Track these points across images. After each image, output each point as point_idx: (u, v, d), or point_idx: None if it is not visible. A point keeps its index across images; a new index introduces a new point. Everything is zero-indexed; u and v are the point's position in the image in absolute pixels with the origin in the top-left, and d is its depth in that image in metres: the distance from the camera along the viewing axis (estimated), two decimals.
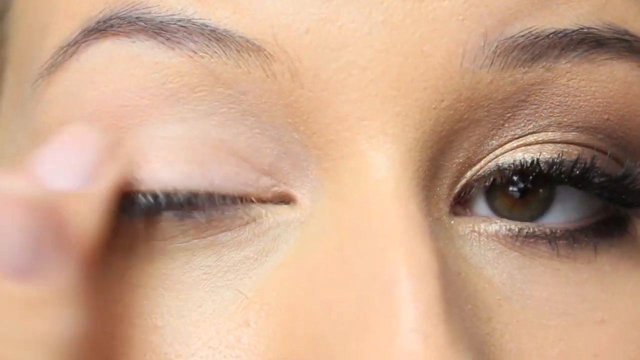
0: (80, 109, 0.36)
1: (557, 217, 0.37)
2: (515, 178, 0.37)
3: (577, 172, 0.36)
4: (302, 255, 0.35)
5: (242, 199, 0.36)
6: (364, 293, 0.33)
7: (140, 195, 0.35)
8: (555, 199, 0.37)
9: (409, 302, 0.32)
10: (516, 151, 0.36)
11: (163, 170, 0.35)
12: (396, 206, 0.34)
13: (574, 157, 0.37)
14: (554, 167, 0.36)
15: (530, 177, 0.37)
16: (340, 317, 0.33)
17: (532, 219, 0.37)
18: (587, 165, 0.37)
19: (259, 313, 0.35)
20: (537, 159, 0.36)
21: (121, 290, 0.36)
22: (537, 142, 0.37)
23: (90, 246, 0.33)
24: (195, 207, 0.35)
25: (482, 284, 0.36)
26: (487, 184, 0.36)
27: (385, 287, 0.33)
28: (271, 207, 0.36)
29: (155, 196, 0.35)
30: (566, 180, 0.37)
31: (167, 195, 0.35)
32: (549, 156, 0.36)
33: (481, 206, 0.37)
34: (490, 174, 0.36)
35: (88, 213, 0.34)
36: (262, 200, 0.36)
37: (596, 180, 0.37)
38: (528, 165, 0.36)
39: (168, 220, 0.36)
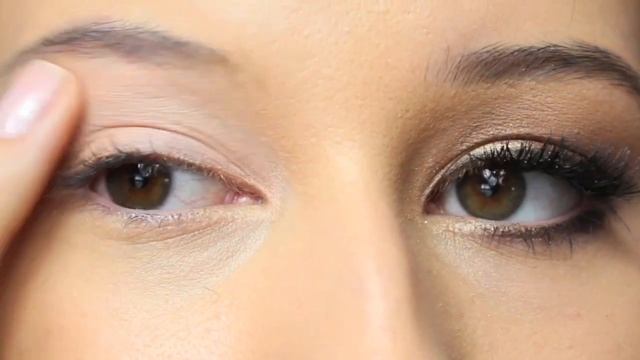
0: None
1: (529, 215, 0.38)
2: (486, 174, 0.37)
3: (547, 157, 0.37)
4: (272, 253, 0.36)
5: (214, 176, 0.36)
6: (334, 290, 0.34)
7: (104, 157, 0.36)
8: (526, 197, 0.38)
9: (378, 300, 0.33)
10: (485, 146, 0.37)
11: (124, 144, 0.36)
12: (366, 205, 0.34)
13: (542, 144, 0.37)
14: (523, 153, 0.37)
15: (502, 171, 0.37)
16: (310, 312, 0.34)
17: (504, 216, 0.37)
18: (557, 150, 0.37)
19: (229, 307, 0.35)
20: (507, 146, 0.36)
21: (85, 286, 0.36)
22: (505, 138, 0.37)
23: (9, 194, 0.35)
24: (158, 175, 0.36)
25: (455, 282, 0.36)
26: (460, 175, 0.37)
27: (354, 285, 0.33)
28: (240, 209, 0.36)
29: (115, 154, 0.36)
30: (536, 165, 0.37)
31: (128, 153, 0.36)
32: (518, 144, 0.37)
33: (453, 205, 0.37)
34: (463, 166, 0.37)
35: (10, 159, 0.35)
36: (237, 192, 0.36)
37: (567, 165, 0.37)
38: (498, 152, 0.36)
39: (123, 221, 0.36)
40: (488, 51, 0.35)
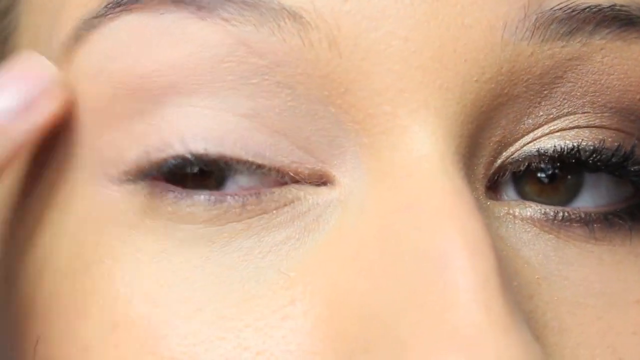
0: (104, 83, 0.35)
1: (586, 203, 0.37)
2: (543, 165, 0.36)
3: (615, 160, 0.36)
4: (344, 234, 0.34)
5: (278, 172, 0.35)
6: (417, 268, 0.32)
7: (170, 159, 0.35)
8: (583, 185, 0.37)
9: (468, 274, 0.32)
10: (552, 136, 0.36)
11: (192, 137, 0.35)
12: (443, 181, 0.33)
13: (613, 145, 0.36)
14: (594, 154, 0.36)
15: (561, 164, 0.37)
16: (391, 293, 0.33)
17: (561, 204, 0.37)
18: (627, 154, 0.37)
19: (303, 293, 0.34)
20: (578, 146, 0.36)
21: (156, 275, 0.35)
22: (573, 127, 0.36)
23: None
24: (225, 178, 0.35)
25: (520, 263, 0.35)
26: (521, 167, 0.36)
27: (439, 262, 0.32)
28: (310, 189, 0.35)
29: (184, 157, 0.35)
30: (603, 167, 0.37)
31: (197, 156, 0.34)
32: (589, 144, 0.36)
33: (510, 192, 0.37)
34: (526, 158, 0.36)
35: None
36: (297, 180, 0.35)
37: (632, 168, 0.37)
38: (569, 150, 0.36)
39: (201, 204, 0.35)
40: (561, 8, 0.35)
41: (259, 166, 0.35)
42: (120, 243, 0.35)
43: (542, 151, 0.36)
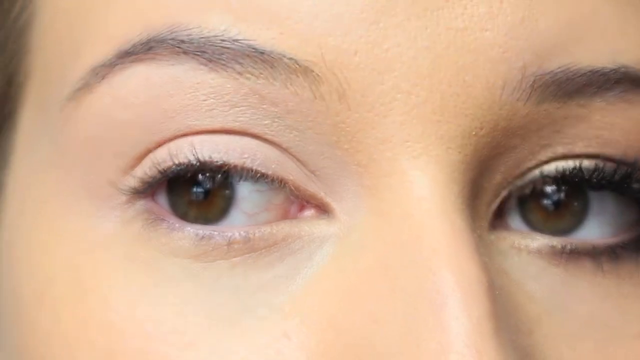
0: (113, 131, 0.36)
1: (594, 230, 0.38)
2: (548, 189, 0.37)
3: (619, 177, 0.37)
4: (341, 268, 0.35)
5: (281, 182, 0.36)
6: (412, 307, 0.33)
7: (174, 165, 0.36)
8: (589, 211, 0.38)
9: (460, 317, 0.33)
10: (558, 162, 0.37)
11: (200, 143, 0.36)
12: (442, 221, 0.34)
13: (615, 165, 0.37)
14: (597, 172, 0.37)
15: (566, 187, 0.37)
16: (388, 329, 0.34)
17: (568, 232, 0.38)
18: (629, 171, 0.37)
19: (298, 326, 0.35)
20: (580, 166, 0.37)
21: (148, 307, 0.36)
22: (576, 157, 0.37)
23: None
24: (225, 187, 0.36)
25: (523, 298, 0.36)
26: (526, 191, 0.37)
27: (434, 302, 0.33)
28: (307, 223, 0.36)
29: (188, 162, 0.35)
30: (605, 184, 0.37)
31: (202, 162, 0.35)
32: (592, 164, 0.37)
33: (516, 220, 0.37)
34: (530, 182, 0.37)
35: None
36: (296, 209, 0.36)
37: (635, 185, 0.37)
38: (570, 170, 0.37)
39: (190, 239, 0.36)
40: (562, 71, 0.36)
41: (263, 175, 0.36)
42: (115, 273, 0.36)
43: (545, 173, 0.37)
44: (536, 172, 0.37)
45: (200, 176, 0.36)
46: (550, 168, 0.37)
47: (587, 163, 0.37)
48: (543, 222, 0.37)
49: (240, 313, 0.35)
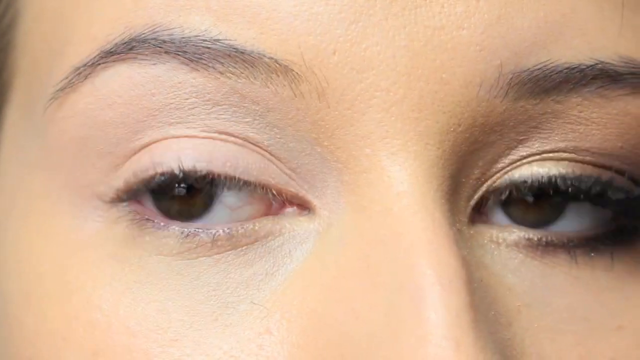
0: (96, 130, 0.37)
1: (572, 224, 0.38)
2: (524, 193, 0.37)
3: (595, 191, 0.37)
4: (322, 264, 0.36)
5: (263, 188, 0.36)
6: (392, 301, 0.34)
7: (158, 175, 0.36)
8: (568, 204, 0.38)
9: (439, 310, 0.33)
10: (532, 165, 0.37)
11: (183, 154, 0.36)
12: (422, 216, 0.35)
13: (593, 175, 0.37)
14: (571, 183, 0.37)
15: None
16: (368, 323, 0.34)
17: (547, 224, 0.38)
18: (605, 185, 0.37)
19: (280, 321, 0.35)
20: (555, 176, 0.37)
21: (132, 304, 0.36)
22: (553, 159, 0.37)
23: None
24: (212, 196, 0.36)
25: (502, 291, 0.37)
26: (502, 197, 0.37)
27: (414, 295, 0.33)
28: (288, 220, 0.36)
29: (172, 174, 0.36)
30: (582, 197, 0.37)
31: (185, 172, 0.36)
32: (564, 171, 0.37)
33: (496, 213, 0.38)
34: (506, 187, 0.37)
35: None
36: (281, 201, 0.36)
37: (613, 197, 0.37)
38: (545, 182, 0.37)
39: (175, 236, 0.36)
40: (539, 69, 0.36)
41: (246, 182, 0.36)
42: (100, 272, 0.37)
43: (518, 181, 0.37)
44: (515, 177, 0.37)
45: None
46: (526, 173, 0.37)
47: (561, 171, 0.37)
48: (523, 215, 0.38)
49: (223, 309, 0.36)
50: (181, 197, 0.37)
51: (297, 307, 0.35)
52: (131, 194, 0.37)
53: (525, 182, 0.37)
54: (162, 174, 0.36)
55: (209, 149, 0.36)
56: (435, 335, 0.33)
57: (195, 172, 0.36)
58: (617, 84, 0.37)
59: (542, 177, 0.37)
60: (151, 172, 0.36)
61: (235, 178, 0.36)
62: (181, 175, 0.36)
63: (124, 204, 0.37)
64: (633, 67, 0.37)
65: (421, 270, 0.34)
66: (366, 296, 0.34)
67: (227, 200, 0.37)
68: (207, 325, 0.36)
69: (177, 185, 0.36)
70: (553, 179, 0.37)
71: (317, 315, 0.35)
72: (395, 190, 0.35)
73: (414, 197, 0.35)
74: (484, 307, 0.35)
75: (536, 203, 0.38)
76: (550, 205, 0.38)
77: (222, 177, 0.36)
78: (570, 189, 0.37)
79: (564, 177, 0.37)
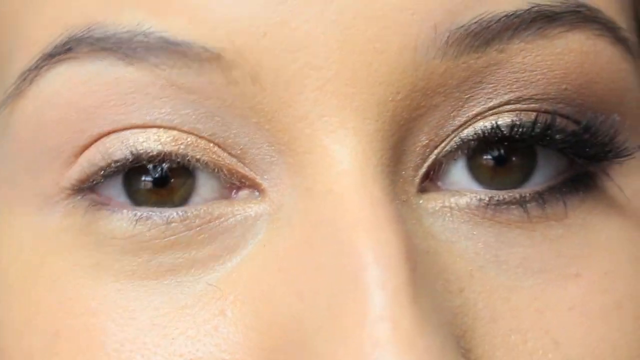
0: (46, 132, 0.38)
1: (540, 182, 0.38)
2: (468, 151, 0.37)
3: (538, 130, 0.37)
4: (272, 247, 0.36)
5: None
6: (334, 282, 0.34)
7: (112, 163, 0.37)
8: (536, 167, 0.38)
9: (376, 290, 0.33)
10: (477, 121, 0.37)
11: (133, 139, 0.37)
12: (360, 195, 0.35)
13: (532, 117, 0.37)
14: (514, 128, 0.37)
15: (501, 146, 0.38)
16: (312, 305, 0.34)
17: (516, 186, 0.38)
18: (548, 123, 0.37)
19: (234, 303, 0.36)
20: (496, 123, 0.37)
21: (92, 286, 0.37)
22: (495, 113, 0.37)
23: None
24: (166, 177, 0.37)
25: (452, 258, 0.37)
26: (455, 158, 0.37)
27: (353, 276, 0.34)
28: (239, 203, 0.37)
29: (124, 157, 0.37)
30: (527, 138, 0.37)
31: (138, 155, 0.37)
32: (508, 119, 0.37)
33: (462, 178, 0.38)
34: (457, 147, 0.37)
35: None
36: (232, 182, 0.37)
37: (558, 136, 0.37)
38: (488, 131, 0.37)
39: (128, 220, 0.37)
40: (476, 22, 0.36)
41: (198, 160, 0.36)
42: (62, 260, 0.38)
43: (466, 138, 0.37)
44: (457, 140, 0.37)
45: (149, 165, 0.37)
46: (470, 131, 0.37)
47: (504, 119, 0.37)
48: (490, 179, 0.38)
49: (179, 290, 0.37)
50: (158, 191, 0.37)
51: (249, 289, 0.36)
52: (87, 187, 0.37)
53: (471, 138, 0.37)
54: (116, 161, 0.37)
55: (155, 131, 0.37)
56: (372, 316, 0.33)
57: (146, 152, 0.37)
58: (556, 22, 0.37)
59: (485, 127, 0.37)
60: (102, 163, 0.37)
61: (187, 155, 0.37)
62: (131, 158, 0.37)
63: (80, 196, 0.38)
64: (568, 6, 0.37)
65: (360, 250, 0.34)
66: (310, 279, 0.35)
67: (204, 192, 0.37)
68: (164, 305, 0.36)
69: (142, 176, 0.37)
70: (495, 126, 0.37)
71: (267, 298, 0.36)
72: (336, 170, 0.35)
73: (354, 175, 0.35)
74: (430, 279, 0.35)
75: (503, 167, 0.38)
76: (519, 169, 0.38)
77: (174, 156, 0.37)
78: (513, 133, 0.37)
79: (506, 124, 0.37)
